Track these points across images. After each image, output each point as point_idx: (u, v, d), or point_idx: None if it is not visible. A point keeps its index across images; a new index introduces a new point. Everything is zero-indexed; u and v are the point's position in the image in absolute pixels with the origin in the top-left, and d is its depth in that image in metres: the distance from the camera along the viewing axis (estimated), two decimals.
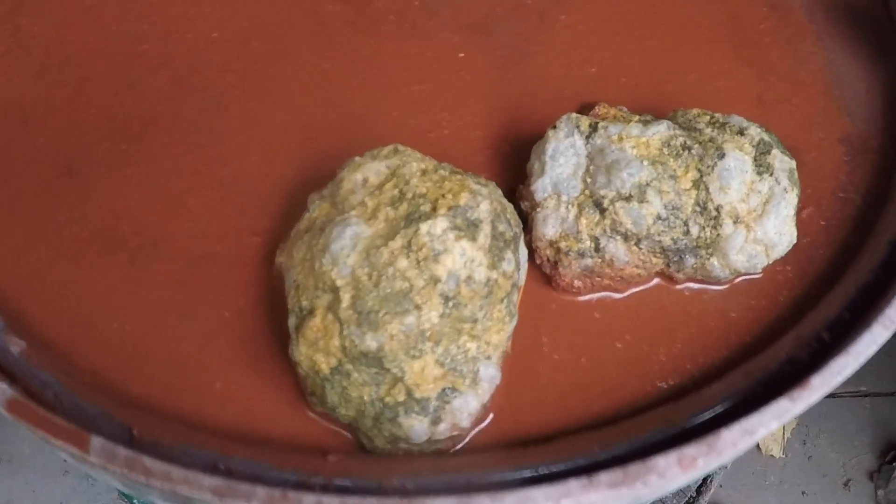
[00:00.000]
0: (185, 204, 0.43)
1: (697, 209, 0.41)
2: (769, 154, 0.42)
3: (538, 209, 0.42)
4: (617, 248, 0.41)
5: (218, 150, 0.45)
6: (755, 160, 0.42)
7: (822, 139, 0.48)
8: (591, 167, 0.41)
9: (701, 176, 0.41)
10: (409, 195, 0.37)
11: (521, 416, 0.40)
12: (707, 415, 0.40)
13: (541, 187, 0.42)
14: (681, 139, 0.41)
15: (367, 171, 0.38)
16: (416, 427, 0.37)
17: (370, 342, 0.35)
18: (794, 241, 0.42)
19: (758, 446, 0.87)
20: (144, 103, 0.46)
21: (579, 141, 0.42)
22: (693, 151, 0.41)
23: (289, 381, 0.39)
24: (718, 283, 0.43)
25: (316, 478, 0.36)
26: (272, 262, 0.42)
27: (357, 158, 0.39)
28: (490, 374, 0.38)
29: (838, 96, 0.49)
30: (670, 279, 0.43)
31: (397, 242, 0.36)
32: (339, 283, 0.35)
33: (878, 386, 0.89)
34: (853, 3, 0.53)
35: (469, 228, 0.37)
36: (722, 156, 0.41)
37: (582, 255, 0.41)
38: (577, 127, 0.42)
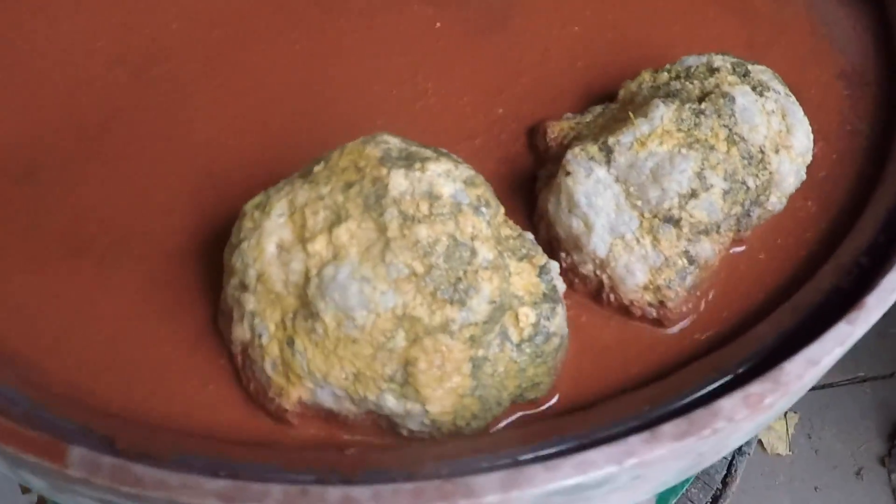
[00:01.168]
0: (155, 198, 0.39)
1: (746, 162, 0.37)
2: (749, 72, 0.39)
3: (609, 266, 0.36)
4: (704, 248, 0.37)
5: (186, 140, 0.41)
6: (749, 84, 0.39)
7: (819, 76, 0.46)
8: (632, 188, 0.36)
9: (730, 130, 0.37)
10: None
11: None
12: (756, 358, 0.36)
13: (599, 243, 0.36)
14: (687, 107, 0.37)
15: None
16: None
17: None
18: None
19: (763, 446, 0.83)
20: (104, 99, 0.42)
21: (601, 172, 0.36)
22: (707, 112, 0.37)
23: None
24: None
25: (334, 474, 0.31)
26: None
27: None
28: None
29: (827, 34, 0.47)
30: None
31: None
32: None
33: (876, 369, 0.87)
34: None
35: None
36: (732, 99, 0.38)
37: (683, 276, 0.37)
38: (591, 159, 0.36)
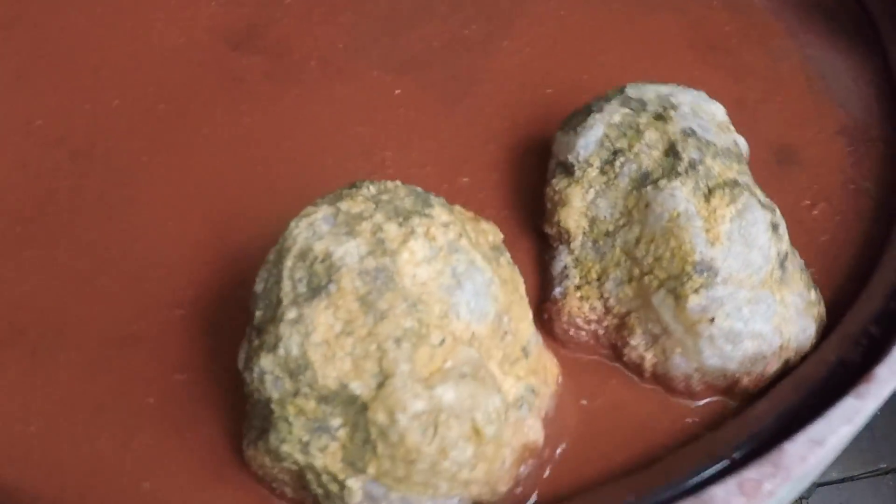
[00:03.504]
0: (94, 284, 0.38)
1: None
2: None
3: (789, 344, 0.35)
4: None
5: (127, 222, 0.40)
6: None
7: (818, 133, 0.45)
8: (741, 275, 0.35)
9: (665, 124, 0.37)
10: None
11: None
12: (754, 441, 0.34)
13: (774, 336, 0.35)
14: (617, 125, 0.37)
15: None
16: None
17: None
18: None
19: None
20: (40, 181, 0.41)
21: (721, 288, 0.34)
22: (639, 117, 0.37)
23: (233, 473, 0.33)
24: None
25: None
26: (200, 335, 0.36)
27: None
28: None
29: (825, 89, 0.47)
30: None
31: None
32: None
33: None
34: None
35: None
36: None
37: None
38: (708, 287, 0.34)
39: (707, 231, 0.34)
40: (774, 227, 0.36)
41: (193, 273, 0.39)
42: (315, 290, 0.29)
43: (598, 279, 0.36)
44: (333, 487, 0.30)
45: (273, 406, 0.30)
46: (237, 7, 0.49)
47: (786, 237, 0.36)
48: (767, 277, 0.35)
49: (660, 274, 0.35)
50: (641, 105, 0.38)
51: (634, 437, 0.35)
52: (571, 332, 0.36)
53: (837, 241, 0.41)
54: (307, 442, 0.29)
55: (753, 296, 0.34)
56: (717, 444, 0.34)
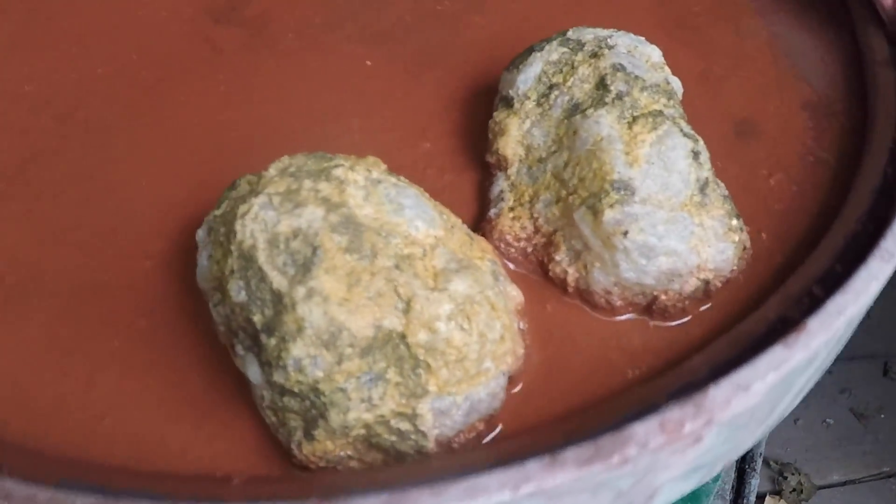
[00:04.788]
0: (70, 237, 0.41)
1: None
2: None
3: (707, 263, 0.38)
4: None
5: (105, 180, 0.43)
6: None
7: (780, 107, 0.47)
8: (660, 195, 0.38)
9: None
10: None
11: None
12: (688, 389, 0.35)
13: (690, 255, 0.38)
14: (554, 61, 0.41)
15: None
16: None
17: None
18: None
19: None
20: (25, 142, 0.45)
21: (637, 207, 0.37)
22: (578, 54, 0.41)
23: (188, 411, 0.36)
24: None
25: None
26: (164, 285, 0.39)
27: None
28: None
29: (792, 65, 0.48)
30: None
31: None
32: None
33: None
34: None
35: None
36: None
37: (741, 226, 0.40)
38: (622, 203, 0.37)
39: (627, 154, 0.37)
40: (695, 154, 0.38)
41: (164, 228, 0.41)
42: (306, 264, 0.32)
43: (530, 201, 0.40)
44: (405, 425, 0.32)
45: (321, 386, 0.31)
46: None
47: (707, 165, 0.39)
48: (687, 201, 0.38)
49: (582, 193, 0.38)
50: (579, 45, 0.41)
51: (557, 349, 0.38)
52: (502, 247, 0.39)
53: (792, 209, 0.43)
54: (368, 397, 0.32)
55: (672, 216, 0.37)
56: (651, 390, 0.36)
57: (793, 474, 0.78)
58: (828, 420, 0.82)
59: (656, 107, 0.39)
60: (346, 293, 0.31)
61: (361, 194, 0.33)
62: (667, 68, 0.42)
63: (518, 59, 0.42)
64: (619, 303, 0.38)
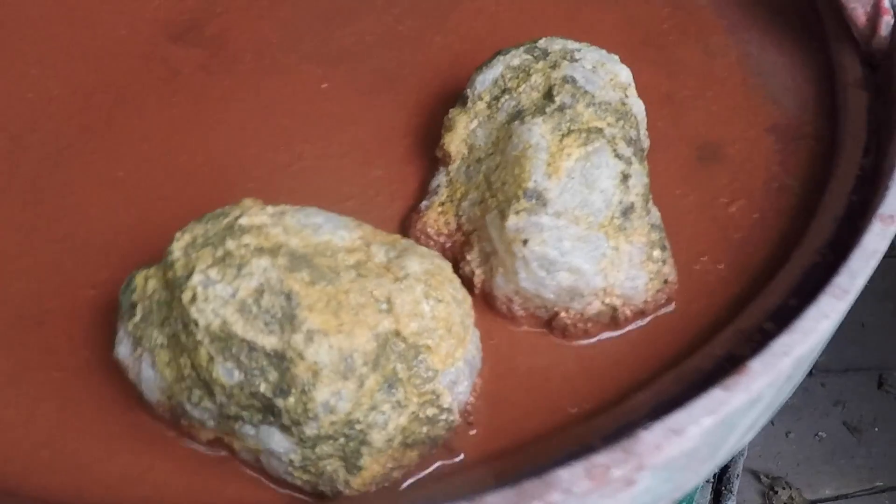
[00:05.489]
0: (16, 264, 0.41)
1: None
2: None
3: (614, 288, 0.38)
4: (657, 214, 0.40)
5: (55, 206, 0.43)
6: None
7: (746, 130, 0.46)
8: (576, 211, 0.37)
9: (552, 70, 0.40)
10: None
11: None
12: (627, 430, 0.35)
13: (594, 276, 0.37)
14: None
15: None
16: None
17: None
18: None
19: None
20: None
21: (545, 218, 0.37)
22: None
23: (128, 442, 0.35)
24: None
25: None
26: (110, 314, 0.39)
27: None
28: None
29: (761, 86, 0.47)
30: None
31: None
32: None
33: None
34: None
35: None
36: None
37: (664, 247, 0.39)
38: (530, 211, 0.37)
39: (549, 164, 0.37)
40: (624, 177, 0.38)
41: (111, 256, 0.41)
42: (287, 313, 0.31)
43: (461, 199, 0.40)
44: (431, 410, 0.33)
45: (354, 415, 0.32)
46: (180, 1, 0.51)
47: (637, 191, 0.38)
48: (606, 222, 0.37)
49: (500, 196, 0.38)
50: (544, 54, 0.41)
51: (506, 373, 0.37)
52: (422, 239, 0.40)
53: (753, 238, 0.42)
54: (395, 402, 0.32)
55: (585, 234, 0.37)
56: (588, 430, 0.35)
57: (784, 488, 0.77)
58: (820, 433, 0.80)
59: (597, 124, 0.38)
60: (337, 320, 0.31)
61: (280, 230, 0.33)
62: (632, 89, 0.41)
63: (487, 61, 0.42)
64: (519, 312, 0.38)
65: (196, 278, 0.32)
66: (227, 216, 0.33)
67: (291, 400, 0.31)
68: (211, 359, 0.31)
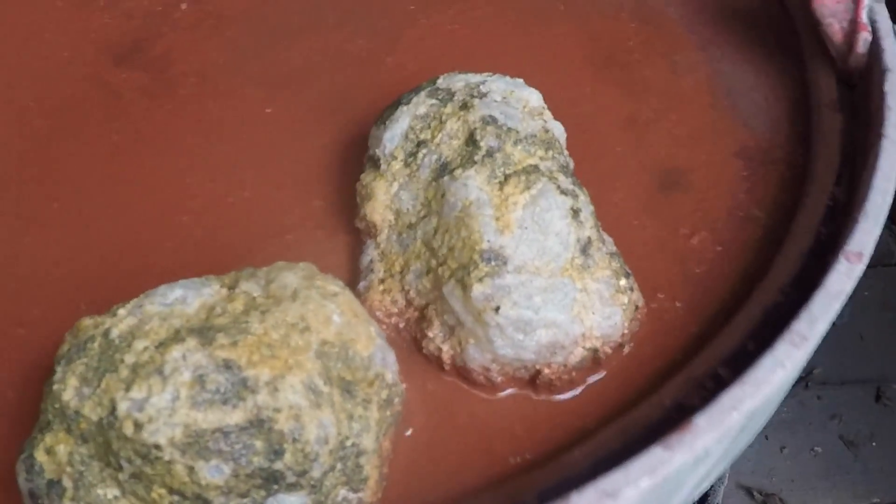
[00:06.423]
0: None
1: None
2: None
3: (592, 332, 0.36)
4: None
5: None
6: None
7: (712, 154, 0.43)
8: (536, 262, 0.35)
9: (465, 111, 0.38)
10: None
11: None
12: (562, 489, 0.33)
13: (571, 324, 0.35)
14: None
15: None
16: None
17: None
18: None
19: None
20: None
21: (509, 277, 0.34)
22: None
23: None
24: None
25: None
26: (39, 351, 0.37)
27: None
28: None
29: (731, 106, 0.45)
30: None
31: None
32: None
33: (893, 494, 0.79)
34: (741, 8, 0.49)
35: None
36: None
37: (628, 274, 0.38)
38: (494, 275, 0.34)
39: (497, 219, 0.35)
40: (575, 212, 0.36)
41: (41, 293, 0.39)
42: (238, 379, 0.29)
43: (401, 272, 0.37)
44: (385, 393, 0.33)
45: (344, 432, 0.31)
46: (127, 20, 0.50)
47: (589, 223, 0.36)
48: (567, 265, 0.35)
49: (452, 264, 0.35)
50: (449, 95, 0.39)
51: (435, 431, 0.35)
52: None
53: (714, 273, 0.40)
54: (362, 399, 0.32)
55: (550, 283, 0.35)
56: (523, 486, 0.33)
57: None
58: (816, 448, 0.78)
59: (531, 161, 0.36)
60: (279, 360, 0.30)
61: (156, 321, 0.31)
62: (547, 112, 0.39)
63: (386, 114, 0.39)
64: (499, 379, 0.36)
65: (123, 406, 0.29)
66: (92, 340, 0.31)
67: (288, 456, 0.30)
68: (191, 469, 0.29)
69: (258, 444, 0.29)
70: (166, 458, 0.28)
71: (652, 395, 0.36)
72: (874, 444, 0.77)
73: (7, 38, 0.50)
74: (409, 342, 0.37)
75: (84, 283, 0.40)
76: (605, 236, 0.38)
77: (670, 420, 0.34)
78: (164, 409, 0.29)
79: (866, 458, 0.77)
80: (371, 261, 0.38)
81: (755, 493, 0.76)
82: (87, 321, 0.32)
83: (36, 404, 0.33)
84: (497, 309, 0.34)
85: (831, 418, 0.79)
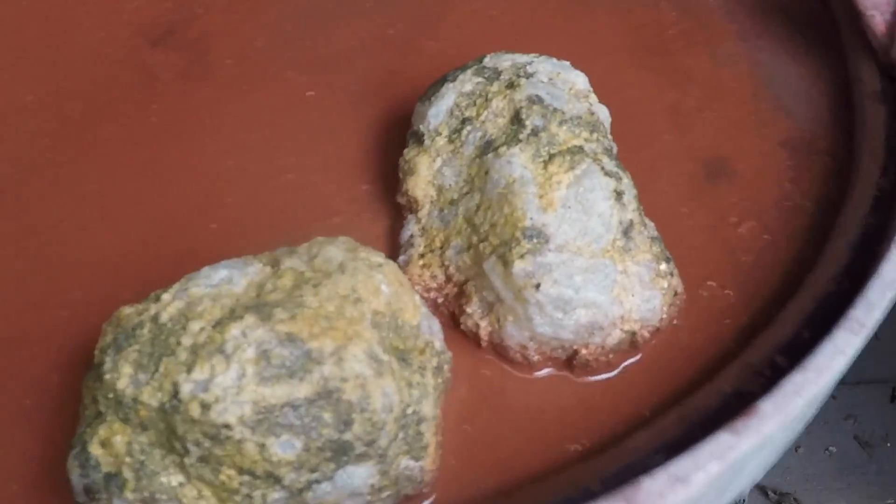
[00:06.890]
0: None
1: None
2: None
3: (632, 314, 0.36)
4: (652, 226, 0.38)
5: (25, 221, 0.41)
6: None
7: (758, 144, 0.43)
8: (579, 242, 0.35)
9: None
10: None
11: None
12: (627, 474, 0.32)
13: (611, 306, 0.35)
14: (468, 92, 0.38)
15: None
16: None
17: None
18: None
19: None
20: None
21: (551, 255, 0.34)
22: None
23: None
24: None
25: None
26: (82, 335, 0.36)
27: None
28: None
29: (772, 97, 0.45)
30: None
31: None
32: None
33: None
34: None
35: None
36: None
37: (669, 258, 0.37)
38: (535, 253, 0.34)
39: (540, 197, 0.35)
40: (618, 194, 0.35)
41: (82, 275, 0.39)
42: (302, 352, 0.29)
43: (441, 247, 0.37)
44: (435, 360, 0.33)
45: (406, 400, 0.31)
46: (161, 1, 0.49)
47: (632, 206, 0.36)
48: (609, 246, 0.35)
49: (493, 240, 0.35)
50: (495, 74, 0.38)
51: (475, 410, 0.35)
52: None
53: (763, 262, 0.39)
54: (417, 367, 0.32)
55: (592, 264, 0.34)
56: (586, 472, 0.33)
57: None
58: (830, 448, 0.78)
59: (576, 142, 0.36)
60: (338, 331, 0.30)
61: (208, 302, 0.31)
62: (593, 96, 0.39)
63: (431, 90, 0.39)
64: (536, 358, 0.36)
65: (187, 388, 0.28)
66: (141, 327, 0.30)
67: (357, 426, 0.29)
68: (262, 446, 0.28)
69: (327, 415, 0.29)
70: (237, 437, 0.28)
71: (709, 382, 0.35)
72: (889, 444, 0.77)
73: (38, 22, 0.49)
74: (447, 318, 0.37)
75: (124, 265, 0.39)
76: (647, 221, 0.38)
77: (731, 406, 0.34)
78: (231, 388, 0.28)
79: (881, 459, 0.77)
80: (411, 235, 0.38)
81: (770, 493, 0.76)
82: (128, 310, 0.31)
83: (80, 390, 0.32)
84: (538, 286, 0.34)
85: (846, 418, 0.79)
